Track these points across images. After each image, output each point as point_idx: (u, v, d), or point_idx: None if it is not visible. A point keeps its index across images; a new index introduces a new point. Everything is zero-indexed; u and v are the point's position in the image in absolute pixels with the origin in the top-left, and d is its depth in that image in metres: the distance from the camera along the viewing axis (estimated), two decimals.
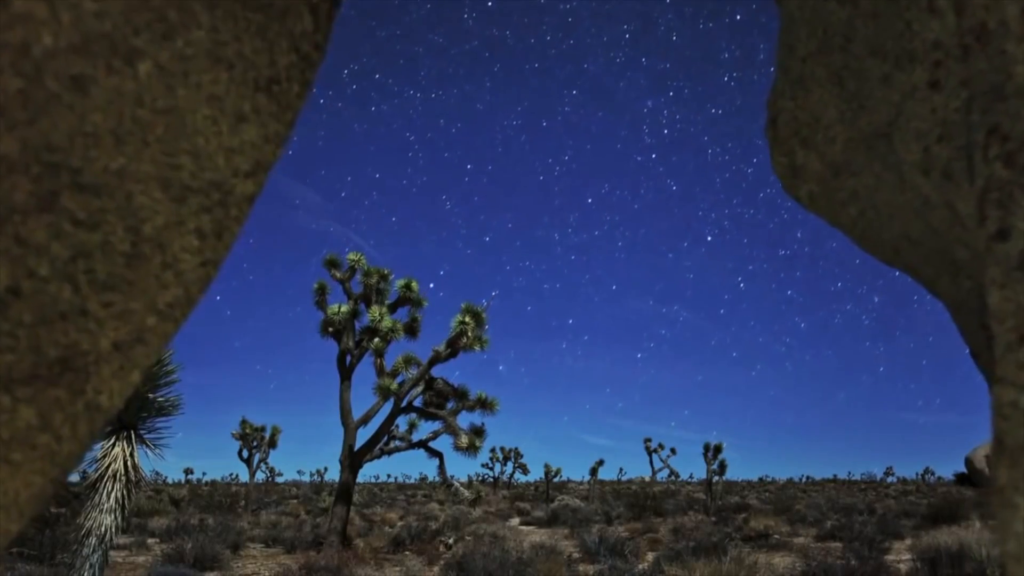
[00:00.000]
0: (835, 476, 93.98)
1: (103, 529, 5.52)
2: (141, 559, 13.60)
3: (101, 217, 0.60)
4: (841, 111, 1.25)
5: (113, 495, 5.62)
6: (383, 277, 14.62)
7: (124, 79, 0.56)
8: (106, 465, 5.70)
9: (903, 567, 11.03)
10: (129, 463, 5.74)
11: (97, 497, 5.60)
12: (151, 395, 6.11)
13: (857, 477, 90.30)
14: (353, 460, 13.52)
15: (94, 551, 5.47)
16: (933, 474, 66.79)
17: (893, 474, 74.91)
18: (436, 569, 12.19)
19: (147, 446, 6.11)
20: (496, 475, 47.46)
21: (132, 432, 5.96)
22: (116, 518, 5.63)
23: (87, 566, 5.41)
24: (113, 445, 5.81)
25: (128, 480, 5.74)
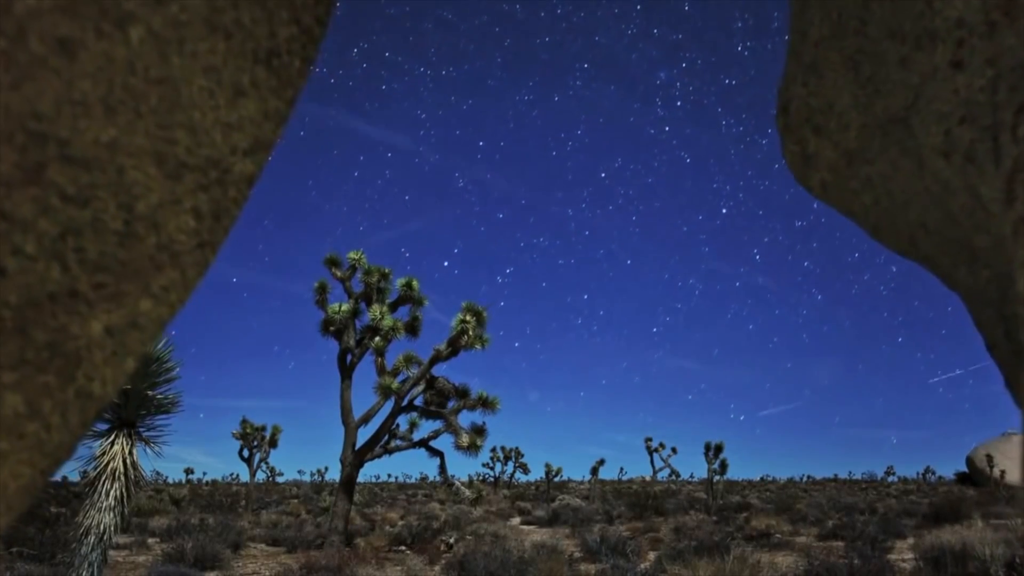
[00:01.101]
0: (835, 476, 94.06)
1: (102, 528, 5.49)
2: (141, 559, 13.57)
3: (91, 193, 0.57)
4: (856, 96, 1.22)
5: (112, 493, 5.59)
6: (384, 276, 14.59)
7: (115, 44, 0.53)
8: (105, 463, 5.66)
9: (906, 566, 11.00)
10: (128, 461, 5.71)
11: (96, 495, 5.57)
12: (150, 392, 6.07)
13: (858, 476, 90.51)
14: (354, 459, 13.49)
15: (93, 549, 5.43)
16: (934, 473, 67.00)
17: (894, 473, 75.13)
18: (437, 568, 12.16)
19: (146, 444, 6.08)
20: (496, 475, 47.43)
21: (131, 430, 5.92)
22: (115, 517, 5.60)
23: (85, 565, 5.37)
24: (112, 443, 5.78)
25: (127, 478, 5.71)
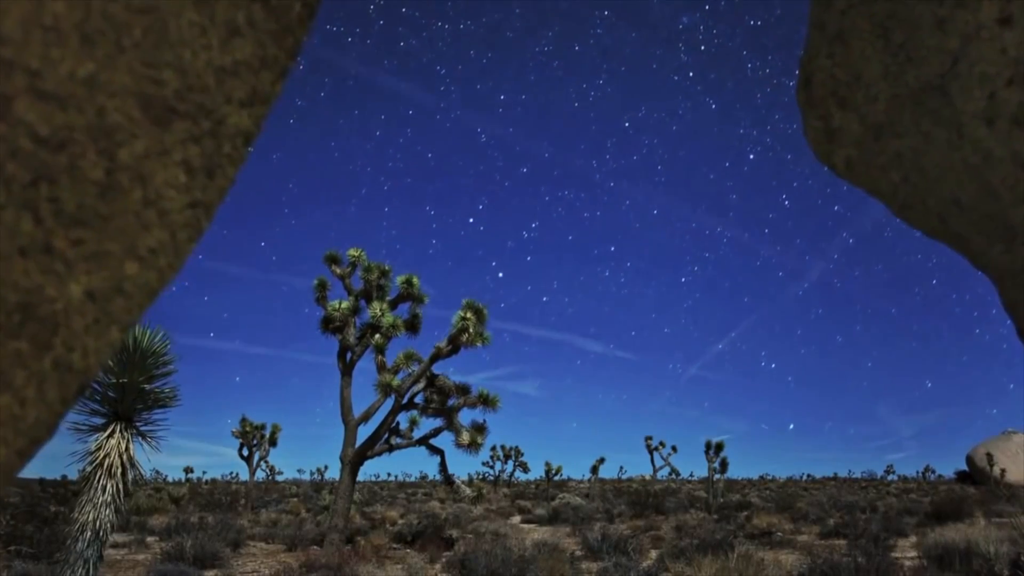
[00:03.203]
0: (835, 474, 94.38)
1: (98, 524, 5.42)
2: (141, 557, 13.52)
3: (67, 135, 0.51)
4: (885, 66, 1.16)
5: (109, 489, 5.52)
6: (384, 273, 14.54)
7: None
8: (101, 458, 5.59)
9: (909, 564, 10.95)
10: (125, 457, 5.64)
11: (92, 491, 5.50)
12: (147, 386, 6.00)
13: (858, 475, 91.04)
14: (354, 457, 13.43)
15: (89, 546, 5.36)
16: (934, 472, 67.37)
17: (894, 472, 75.75)
18: (438, 567, 12.11)
19: (143, 439, 6.01)
20: (496, 473, 47.38)
21: (128, 424, 5.85)
22: (112, 513, 5.53)
23: (81, 562, 5.30)
24: (108, 437, 5.71)
25: (124, 474, 5.64)
